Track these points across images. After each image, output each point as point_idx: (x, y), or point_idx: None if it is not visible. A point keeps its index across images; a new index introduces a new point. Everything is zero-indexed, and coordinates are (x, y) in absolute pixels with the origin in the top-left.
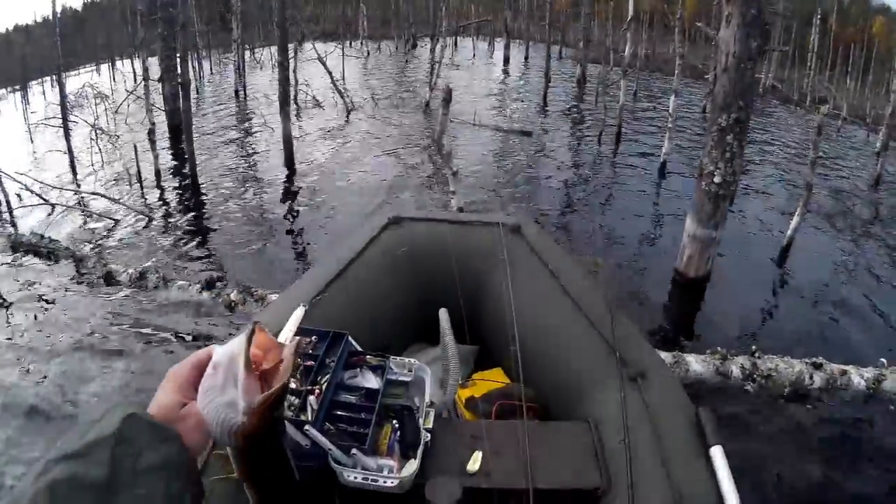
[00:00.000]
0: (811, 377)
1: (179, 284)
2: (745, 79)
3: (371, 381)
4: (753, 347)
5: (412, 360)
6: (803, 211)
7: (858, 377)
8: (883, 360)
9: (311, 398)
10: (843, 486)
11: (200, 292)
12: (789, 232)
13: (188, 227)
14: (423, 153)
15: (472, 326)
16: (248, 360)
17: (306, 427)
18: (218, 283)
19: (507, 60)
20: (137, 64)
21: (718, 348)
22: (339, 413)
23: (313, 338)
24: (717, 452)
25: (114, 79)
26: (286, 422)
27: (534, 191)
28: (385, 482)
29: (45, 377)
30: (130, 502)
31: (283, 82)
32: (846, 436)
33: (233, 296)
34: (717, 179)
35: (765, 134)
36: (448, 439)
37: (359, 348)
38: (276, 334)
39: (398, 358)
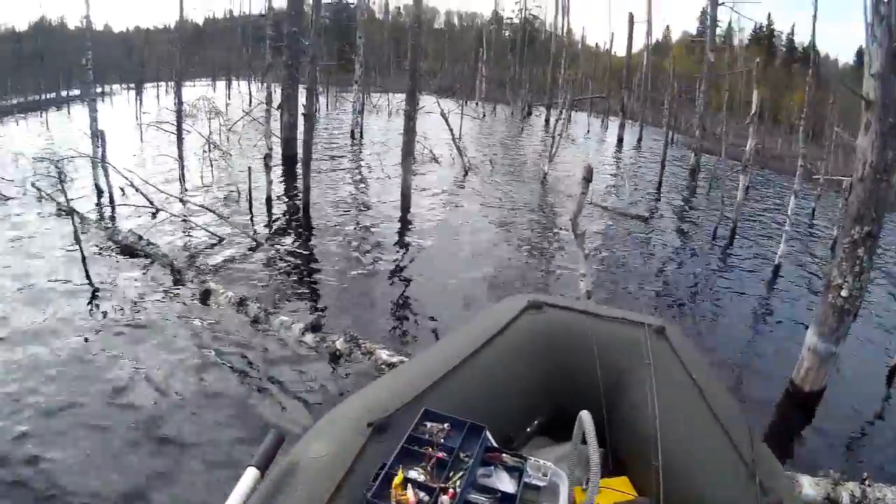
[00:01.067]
0: None
1: (282, 321)
2: (880, 190)
3: (506, 484)
4: (865, 475)
5: (548, 463)
6: None
7: None
8: None
9: (444, 498)
10: None
11: (303, 333)
12: None
13: (294, 261)
14: (539, 227)
15: (600, 428)
16: None
17: None
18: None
19: (620, 141)
20: (253, 86)
21: (830, 471)
22: None
23: (446, 425)
24: None
25: (229, 97)
26: None
27: (646, 280)
28: None
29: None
30: None
31: (409, 132)
32: None
33: (338, 344)
34: (844, 293)
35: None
36: None
37: (494, 443)
38: (395, 413)
39: (534, 460)
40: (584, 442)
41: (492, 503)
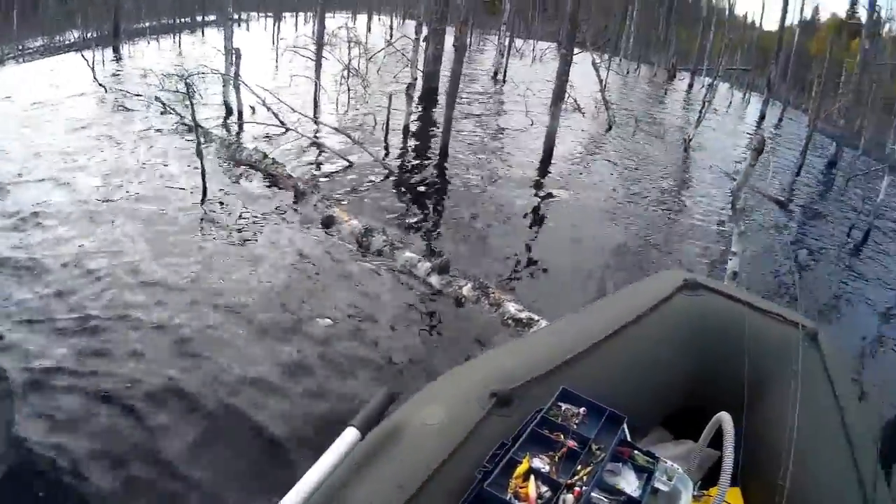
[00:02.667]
0: None
1: (408, 257)
2: None
3: (631, 485)
4: None
5: (676, 466)
6: None
7: None
8: None
9: (569, 497)
10: None
11: (429, 274)
12: None
13: (425, 194)
14: (679, 196)
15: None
16: None
17: None
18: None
19: (762, 118)
20: (395, 21)
21: None
22: None
23: (582, 410)
24: None
25: (369, 29)
26: None
27: (782, 270)
28: None
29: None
30: None
31: (562, 76)
32: None
33: (465, 290)
34: None
35: None
36: None
37: (629, 437)
38: (523, 386)
39: (666, 463)
40: (711, 445)
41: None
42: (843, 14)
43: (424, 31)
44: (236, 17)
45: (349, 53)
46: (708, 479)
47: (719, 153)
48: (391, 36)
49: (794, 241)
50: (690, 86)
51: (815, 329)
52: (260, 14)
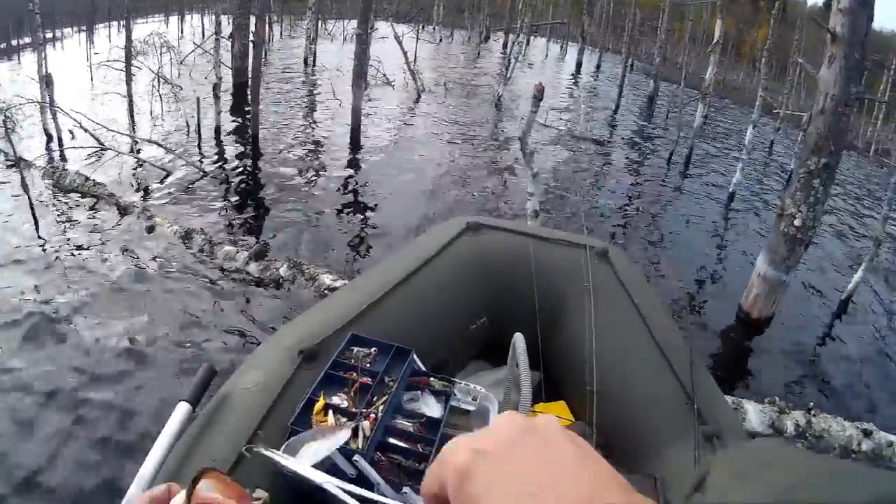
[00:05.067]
0: (859, 444)
1: (227, 251)
2: (840, 123)
3: (432, 408)
4: (811, 404)
5: (478, 386)
6: (869, 265)
7: None
8: None
9: (365, 423)
10: None
11: (247, 263)
12: (851, 285)
13: (242, 189)
14: (491, 148)
15: (538, 351)
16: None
17: (355, 457)
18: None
19: (579, 66)
20: (207, 19)
21: (776, 399)
22: (393, 442)
23: (373, 350)
24: None
25: (181, 31)
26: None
27: (597, 204)
28: None
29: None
30: None
31: (360, 55)
32: None
33: (282, 271)
34: (797, 222)
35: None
36: None
37: (422, 367)
38: (325, 340)
39: (463, 383)
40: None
41: (416, 427)
42: None
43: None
44: (50, 35)
45: (160, 61)
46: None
47: (528, 103)
48: (203, 35)
49: (615, 174)
50: (505, 45)
51: (605, 248)
52: (74, 29)
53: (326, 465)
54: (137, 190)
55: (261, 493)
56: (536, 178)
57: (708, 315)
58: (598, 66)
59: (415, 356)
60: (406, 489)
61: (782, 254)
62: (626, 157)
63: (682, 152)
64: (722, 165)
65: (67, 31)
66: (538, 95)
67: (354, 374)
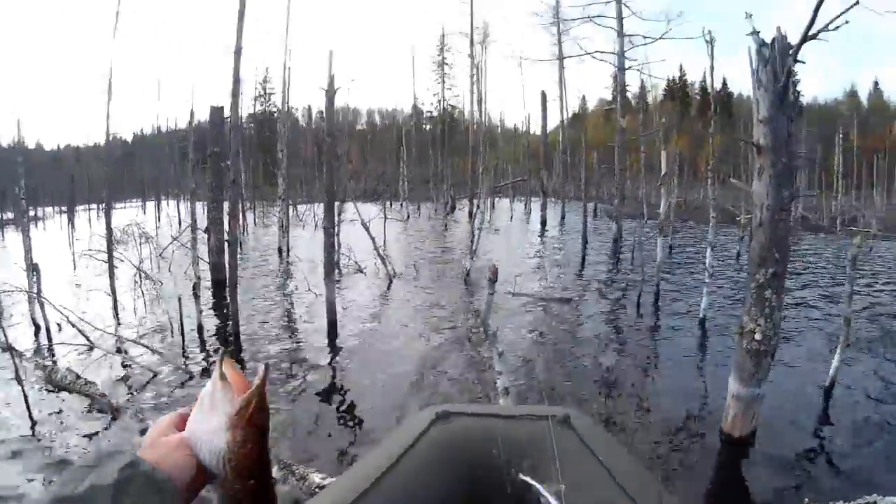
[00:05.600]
0: None
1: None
2: (780, 230)
3: None
4: (805, 500)
5: None
6: (844, 347)
7: None
8: None
9: None
10: None
11: None
12: (831, 371)
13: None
14: (464, 329)
15: None
16: (223, 374)
17: None
18: None
19: (544, 223)
20: (182, 206)
21: None
22: None
23: None
24: None
25: (158, 219)
26: None
27: (574, 362)
28: None
29: None
30: None
31: (329, 249)
32: None
33: (273, 472)
34: (757, 336)
35: (799, 272)
36: None
37: None
38: None
39: None
40: None
41: None
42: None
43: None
44: (32, 213)
45: (140, 253)
46: None
47: (501, 275)
48: (180, 224)
49: (586, 334)
50: (471, 213)
51: (566, 414)
52: (55, 209)
53: None
54: (129, 391)
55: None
56: (503, 357)
57: (694, 445)
58: (562, 218)
59: None
60: None
61: (750, 370)
62: (598, 310)
63: (650, 289)
64: (692, 294)
65: (49, 209)
66: (493, 277)
67: None
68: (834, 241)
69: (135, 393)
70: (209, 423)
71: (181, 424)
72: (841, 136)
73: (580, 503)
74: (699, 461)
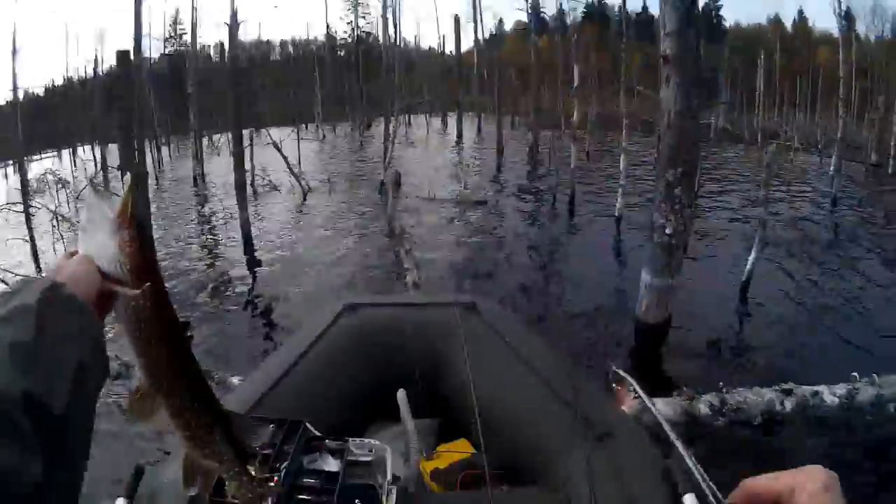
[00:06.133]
0: (782, 403)
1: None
2: (689, 134)
3: (331, 465)
4: (721, 384)
5: (372, 440)
6: (760, 246)
7: (831, 395)
8: (854, 373)
9: (270, 485)
10: None
11: None
12: (748, 267)
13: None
14: (378, 234)
15: (434, 402)
16: (96, 191)
17: None
18: None
19: (460, 135)
20: (98, 151)
21: (684, 388)
22: (300, 497)
23: (271, 426)
24: (689, 501)
25: (74, 165)
26: None
27: (491, 260)
28: None
29: None
30: (51, 367)
31: (238, 169)
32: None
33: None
34: (668, 231)
35: (720, 178)
36: None
37: (317, 433)
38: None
39: (358, 440)
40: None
41: (318, 482)
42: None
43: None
44: None
45: (56, 198)
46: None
47: (418, 182)
48: (95, 168)
49: (503, 231)
50: (385, 128)
51: (472, 302)
52: None
53: None
54: None
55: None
56: (410, 254)
57: (613, 330)
58: (479, 131)
59: (307, 425)
60: None
61: (662, 262)
62: (514, 210)
63: (566, 192)
64: (608, 197)
65: None
66: (396, 181)
67: (257, 448)
68: (755, 152)
69: None
70: (98, 236)
71: (73, 255)
72: (763, 58)
73: (489, 384)
74: (615, 347)
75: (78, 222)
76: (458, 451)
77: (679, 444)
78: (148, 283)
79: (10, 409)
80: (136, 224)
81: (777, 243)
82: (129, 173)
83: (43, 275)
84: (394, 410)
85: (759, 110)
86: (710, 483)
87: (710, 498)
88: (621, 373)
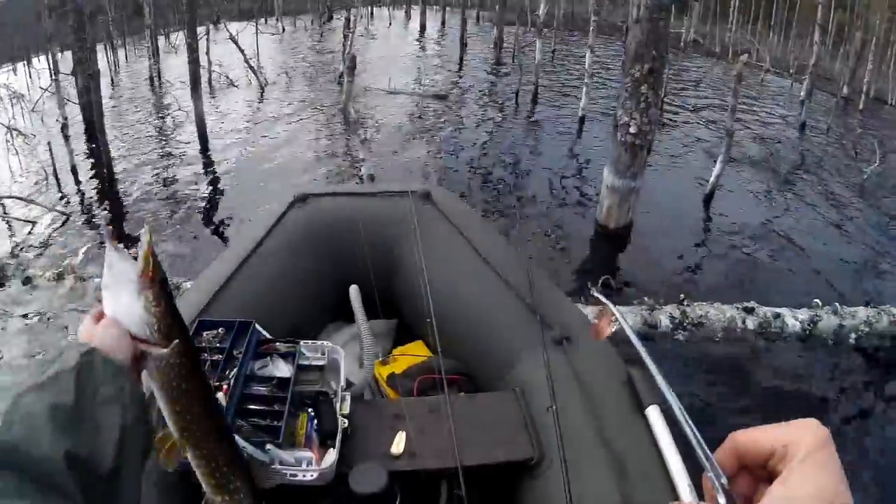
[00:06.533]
0: (743, 322)
1: (97, 282)
2: (658, 29)
3: (282, 370)
4: (682, 296)
5: (325, 342)
6: (726, 157)
7: (793, 319)
8: (817, 300)
9: (220, 395)
10: None
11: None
12: (712, 179)
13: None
14: (337, 126)
15: (388, 300)
16: (116, 247)
17: None
18: None
19: (423, 28)
20: (51, 59)
21: (645, 298)
22: (250, 407)
23: (220, 330)
24: (653, 413)
25: (29, 76)
26: None
27: (451, 154)
28: (305, 476)
29: None
30: (93, 428)
31: (193, 64)
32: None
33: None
34: (632, 130)
35: (688, 88)
36: (369, 421)
37: (268, 336)
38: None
39: (310, 342)
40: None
41: (269, 389)
42: None
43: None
44: None
45: (11, 112)
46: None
47: (378, 75)
48: (51, 76)
49: (464, 125)
50: (347, 20)
51: (426, 190)
52: None
53: None
54: (12, 245)
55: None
56: (366, 144)
57: (571, 233)
58: (442, 24)
59: (257, 326)
60: (269, 446)
61: (625, 162)
62: (474, 107)
63: (529, 90)
64: (572, 97)
65: None
66: (352, 65)
67: (205, 355)
68: (725, 67)
69: (19, 246)
70: (123, 298)
71: (100, 316)
72: None
73: (445, 281)
74: (573, 249)
75: (99, 279)
76: (413, 354)
77: (646, 356)
78: (176, 341)
79: (52, 470)
80: (158, 282)
81: (742, 160)
82: (146, 226)
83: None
84: (349, 311)
85: (732, 24)
86: (674, 396)
87: (678, 414)
88: (603, 298)
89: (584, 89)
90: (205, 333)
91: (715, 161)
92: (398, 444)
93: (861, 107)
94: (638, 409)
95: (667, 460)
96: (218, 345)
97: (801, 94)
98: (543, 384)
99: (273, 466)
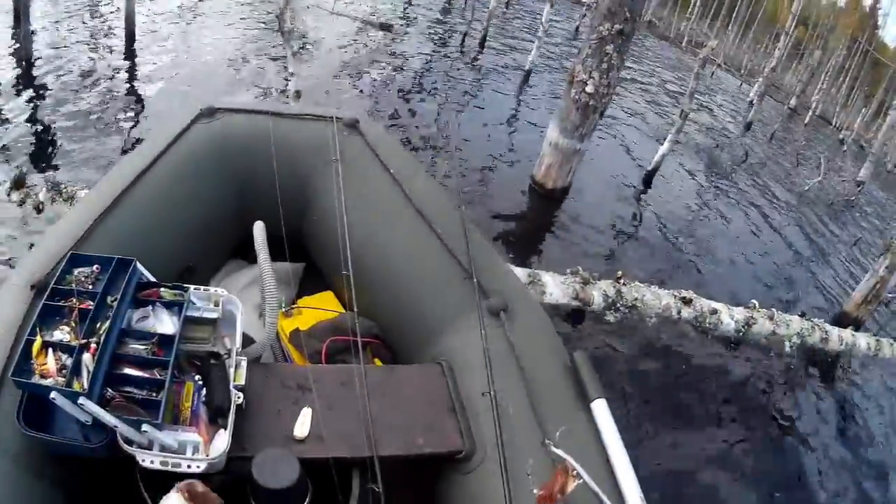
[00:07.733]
0: (679, 312)
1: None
2: None
3: (166, 324)
4: (619, 273)
5: (218, 289)
6: (674, 138)
7: (729, 318)
8: (754, 301)
9: (87, 356)
10: None
11: (9, 193)
12: (657, 157)
13: (19, 117)
14: (272, 31)
15: (297, 240)
16: None
17: (80, 400)
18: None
19: None
20: None
21: (580, 269)
22: (125, 372)
23: (95, 268)
24: (599, 407)
25: None
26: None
27: (382, 87)
28: (189, 465)
29: None
30: None
31: None
32: None
33: (41, 196)
34: (589, 89)
35: (642, 64)
36: (269, 393)
37: (151, 278)
38: (54, 269)
39: (202, 289)
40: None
41: (148, 349)
42: None
43: None
44: None
45: None
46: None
47: None
48: None
49: (403, 59)
50: None
51: (354, 118)
52: None
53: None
54: None
55: None
56: (297, 57)
57: (503, 188)
58: None
59: (139, 266)
60: (146, 427)
61: (574, 121)
62: (419, 43)
63: (478, 37)
64: (522, 51)
65: None
66: None
67: (73, 300)
68: (678, 54)
69: None
70: None
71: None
72: None
73: (366, 224)
74: (507, 204)
75: None
76: (321, 307)
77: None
78: None
79: None
80: None
81: (689, 145)
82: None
83: None
84: (251, 249)
85: (692, 15)
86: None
87: None
88: (562, 453)
89: (536, 43)
90: (76, 271)
91: (659, 141)
92: (302, 425)
93: (806, 121)
94: (583, 401)
95: (612, 462)
96: (90, 288)
97: (751, 95)
98: (476, 361)
99: (151, 453)
